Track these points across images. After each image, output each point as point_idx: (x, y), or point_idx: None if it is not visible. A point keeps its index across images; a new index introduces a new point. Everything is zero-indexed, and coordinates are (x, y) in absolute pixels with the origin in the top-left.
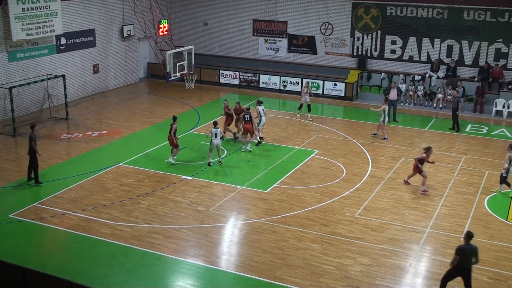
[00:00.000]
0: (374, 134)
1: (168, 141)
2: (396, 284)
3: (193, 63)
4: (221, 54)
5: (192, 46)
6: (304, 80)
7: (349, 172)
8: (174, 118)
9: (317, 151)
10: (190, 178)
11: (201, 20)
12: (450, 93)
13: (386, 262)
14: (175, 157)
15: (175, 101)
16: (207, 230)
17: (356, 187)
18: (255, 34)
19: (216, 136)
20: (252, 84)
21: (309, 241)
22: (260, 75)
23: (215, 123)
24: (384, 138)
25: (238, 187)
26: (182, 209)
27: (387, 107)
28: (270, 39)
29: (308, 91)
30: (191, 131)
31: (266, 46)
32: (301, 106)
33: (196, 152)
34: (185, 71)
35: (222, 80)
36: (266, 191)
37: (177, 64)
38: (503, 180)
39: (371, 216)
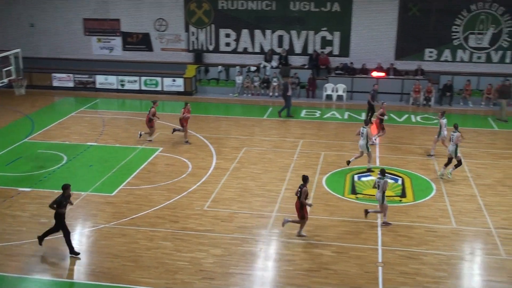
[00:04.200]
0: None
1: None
2: (249, 270)
3: (21, 67)
4: (52, 56)
5: (19, 50)
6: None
7: (195, 166)
8: (154, 102)
9: (161, 148)
10: (28, 189)
11: (26, 21)
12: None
13: (238, 250)
14: (151, 136)
15: (5, 109)
16: (52, 242)
17: (202, 180)
18: (86, 33)
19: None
20: (88, 86)
21: (160, 239)
22: (96, 76)
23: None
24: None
25: (82, 193)
26: (23, 223)
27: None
28: (103, 38)
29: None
30: (25, 140)
31: (99, 46)
32: (459, 163)
33: (33, 162)
34: (13, 77)
35: (55, 83)
36: (112, 194)
37: (4, 69)
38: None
39: (219, 207)
